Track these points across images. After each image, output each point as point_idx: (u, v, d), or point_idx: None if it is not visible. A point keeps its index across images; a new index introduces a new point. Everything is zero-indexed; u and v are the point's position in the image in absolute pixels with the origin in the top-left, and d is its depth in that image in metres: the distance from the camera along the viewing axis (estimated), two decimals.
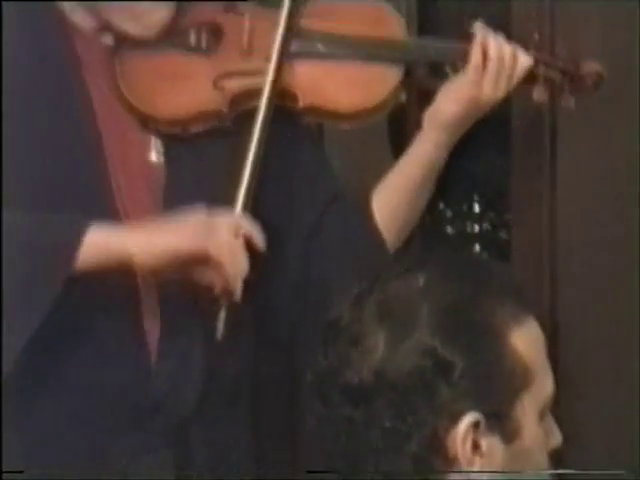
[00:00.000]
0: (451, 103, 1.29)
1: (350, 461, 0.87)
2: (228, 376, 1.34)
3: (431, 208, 1.51)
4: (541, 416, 0.87)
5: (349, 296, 0.89)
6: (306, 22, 1.29)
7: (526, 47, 1.32)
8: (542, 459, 0.89)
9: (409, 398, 0.83)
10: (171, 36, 1.29)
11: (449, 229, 1.74)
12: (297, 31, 1.27)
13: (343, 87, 1.34)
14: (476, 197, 1.73)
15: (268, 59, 1.24)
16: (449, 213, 1.73)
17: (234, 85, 1.31)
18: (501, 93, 1.28)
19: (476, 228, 1.74)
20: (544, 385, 0.87)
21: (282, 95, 1.27)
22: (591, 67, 1.32)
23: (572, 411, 1.36)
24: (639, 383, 1.58)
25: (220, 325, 1.22)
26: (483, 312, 0.85)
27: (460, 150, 1.36)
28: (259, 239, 1.20)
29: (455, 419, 0.81)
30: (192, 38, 1.31)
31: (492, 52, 1.26)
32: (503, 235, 1.70)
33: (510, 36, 1.36)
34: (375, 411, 0.84)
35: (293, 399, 1.68)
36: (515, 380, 0.84)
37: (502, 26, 1.42)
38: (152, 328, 1.25)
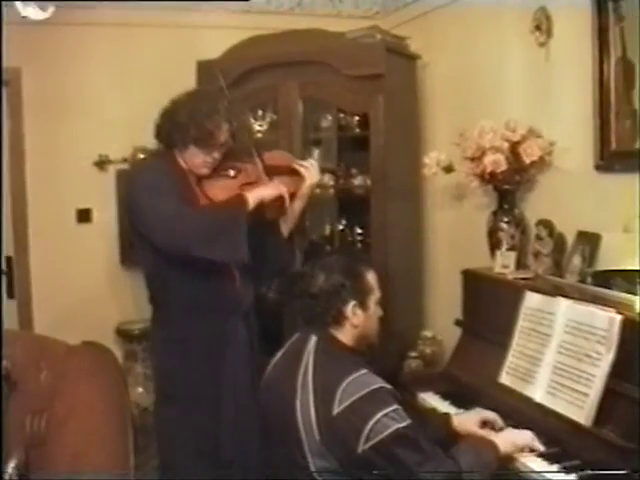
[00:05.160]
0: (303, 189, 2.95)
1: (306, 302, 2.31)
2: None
3: None
4: (375, 303, 2.34)
5: (312, 263, 2.37)
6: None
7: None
8: (376, 320, 2.37)
9: (331, 295, 2.28)
10: (221, 172, 2.87)
11: None
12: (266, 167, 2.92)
13: (284, 184, 2.90)
14: None
15: (259, 179, 2.90)
16: None
17: (245, 188, 2.82)
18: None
19: None
20: (377, 293, 2.33)
21: None
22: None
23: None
24: None
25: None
26: (358, 267, 2.32)
27: None
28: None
29: (348, 302, 2.26)
30: (230, 172, 2.89)
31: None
32: None
33: None
34: (320, 299, 2.27)
35: None
36: (368, 289, 2.30)
37: None
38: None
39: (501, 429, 2.45)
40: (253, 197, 2.74)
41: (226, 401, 2.81)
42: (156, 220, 2.67)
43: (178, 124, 2.77)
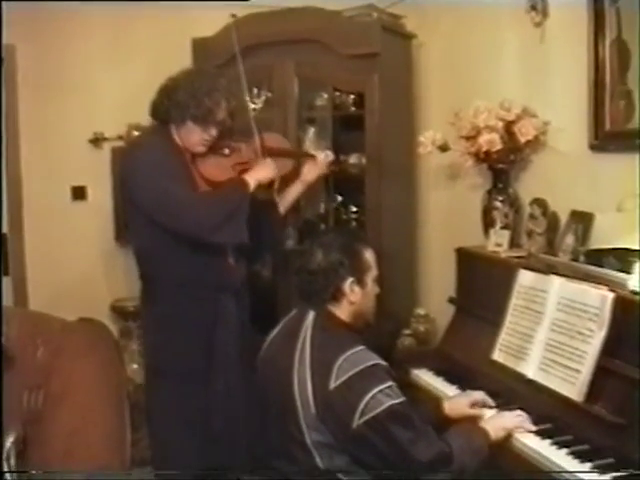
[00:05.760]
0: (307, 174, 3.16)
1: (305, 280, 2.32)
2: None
3: None
4: (373, 281, 2.37)
5: (310, 241, 2.47)
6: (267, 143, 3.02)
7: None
8: (373, 298, 2.39)
9: (329, 272, 2.30)
10: (215, 150, 2.91)
11: None
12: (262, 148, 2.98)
13: (277, 166, 2.99)
14: None
15: (252, 159, 2.97)
16: None
17: (239, 168, 2.94)
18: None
19: None
20: (374, 271, 2.36)
21: None
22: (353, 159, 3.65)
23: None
24: None
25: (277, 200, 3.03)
26: (356, 245, 2.33)
27: None
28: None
29: (345, 279, 2.29)
30: (225, 151, 2.94)
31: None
32: None
33: None
34: (319, 275, 2.29)
35: None
36: (366, 267, 2.33)
37: None
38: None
39: (492, 407, 2.49)
40: (252, 179, 2.83)
41: (215, 378, 2.85)
42: (166, 204, 2.71)
43: (177, 101, 2.79)
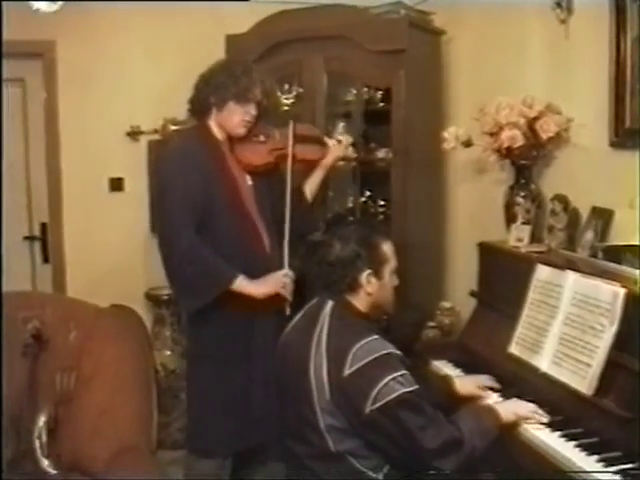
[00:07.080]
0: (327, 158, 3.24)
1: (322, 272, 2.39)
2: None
3: None
4: (391, 273, 2.45)
5: (331, 233, 2.48)
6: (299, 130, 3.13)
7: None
8: (391, 289, 2.48)
9: (347, 263, 2.37)
10: (252, 137, 3.05)
11: None
12: (295, 135, 3.09)
13: (310, 151, 3.21)
14: None
15: (287, 145, 3.08)
16: None
17: (275, 153, 3.10)
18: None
19: None
20: (392, 263, 2.43)
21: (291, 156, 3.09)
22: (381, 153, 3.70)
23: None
24: None
25: (288, 309, 2.94)
26: (374, 237, 2.39)
27: None
28: (292, 276, 2.97)
29: (362, 271, 2.35)
30: (260, 137, 3.07)
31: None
32: None
33: None
34: (337, 266, 2.37)
35: None
36: (383, 259, 2.39)
37: None
38: None
39: (497, 390, 2.60)
40: (241, 286, 2.88)
41: (256, 361, 2.96)
42: (163, 228, 2.93)
43: (216, 84, 2.95)
